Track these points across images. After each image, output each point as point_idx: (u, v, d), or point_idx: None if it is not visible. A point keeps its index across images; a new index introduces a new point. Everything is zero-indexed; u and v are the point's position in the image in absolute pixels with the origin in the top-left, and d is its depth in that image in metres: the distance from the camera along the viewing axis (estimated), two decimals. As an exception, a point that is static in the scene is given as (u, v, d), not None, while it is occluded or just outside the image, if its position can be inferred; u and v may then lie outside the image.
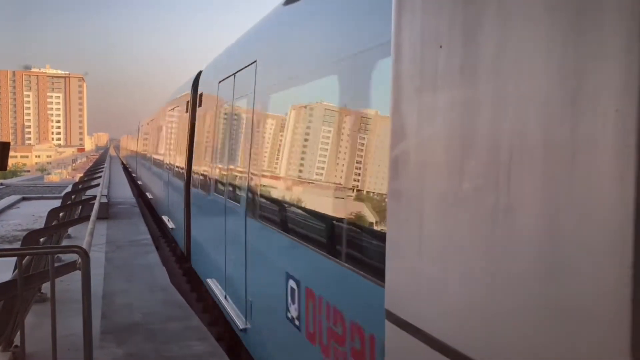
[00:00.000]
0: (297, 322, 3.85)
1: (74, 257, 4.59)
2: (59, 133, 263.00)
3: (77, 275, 4.71)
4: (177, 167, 10.82)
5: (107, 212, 15.71)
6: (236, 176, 5.82)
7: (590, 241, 1.19)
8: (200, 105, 8.75)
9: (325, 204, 3.54)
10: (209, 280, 6.90)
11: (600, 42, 1.17)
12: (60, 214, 9.51)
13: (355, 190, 3.10)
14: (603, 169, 1.15)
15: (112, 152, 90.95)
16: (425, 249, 1.76)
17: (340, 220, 3.24)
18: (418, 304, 1.81)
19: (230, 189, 5.98)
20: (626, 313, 1.10)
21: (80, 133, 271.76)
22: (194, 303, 8.70)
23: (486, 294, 1.50)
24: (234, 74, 6.21)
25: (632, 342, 1.10)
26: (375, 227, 2.88)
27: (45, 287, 6.83)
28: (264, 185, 4.78)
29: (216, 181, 6.85)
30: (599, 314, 1.17)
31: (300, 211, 4.03)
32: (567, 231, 1.24)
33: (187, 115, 9.62)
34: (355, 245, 3.08)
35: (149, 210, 19.52)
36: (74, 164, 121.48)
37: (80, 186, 16.87)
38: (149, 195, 18.06)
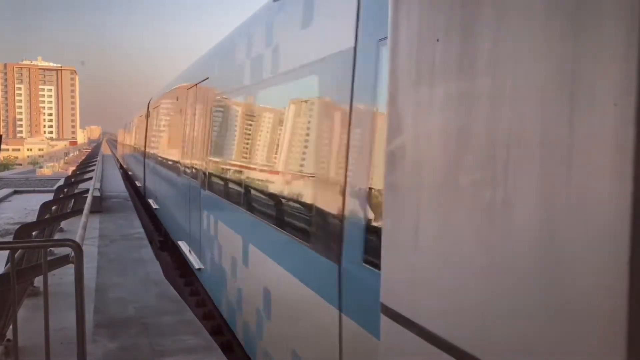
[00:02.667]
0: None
1: (66, 250, 4.56)
2: (51, 126, 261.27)
3: (69, 269, 4.68)
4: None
5: (100, 206, 15.62)
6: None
7: (587, 236, 1.19)
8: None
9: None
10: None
11: (598, 36, 1.17)
12: (53, 208, 9.45)
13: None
14: (601, 162, 1.15)
15: (104, 149, 76.61)
16: (421, 243, 1.76)
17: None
18: (414, 298, 1.81)
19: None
20: (622, 308, 1.10)
21: (73, 126, 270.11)
22: (187, 297, 8.69)
23: (482, 288, 1.51)
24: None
25: (628, 336, 1.10)
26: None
27: (38, 280, 6.80)
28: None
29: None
30: (594, 309, 1.18)
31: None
32: (564, 225, 1.24)
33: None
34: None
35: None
36: (66, 157, 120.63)
37: (72, 179, 16.76)
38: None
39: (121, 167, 34.35)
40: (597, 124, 1.16)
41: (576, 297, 1.22)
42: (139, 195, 19.79)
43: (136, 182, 21.03)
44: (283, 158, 4.53)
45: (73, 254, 4.32)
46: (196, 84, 8.58)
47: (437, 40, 1.69)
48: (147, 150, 16.79)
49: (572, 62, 1.22)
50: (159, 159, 13.40)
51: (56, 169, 70.43)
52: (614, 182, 1.12)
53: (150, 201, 14.94)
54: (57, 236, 10.17)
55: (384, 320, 1.95)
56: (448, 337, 1.61)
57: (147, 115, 17.16)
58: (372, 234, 2.84)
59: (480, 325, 1.51)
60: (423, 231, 1.75)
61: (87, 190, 11.82)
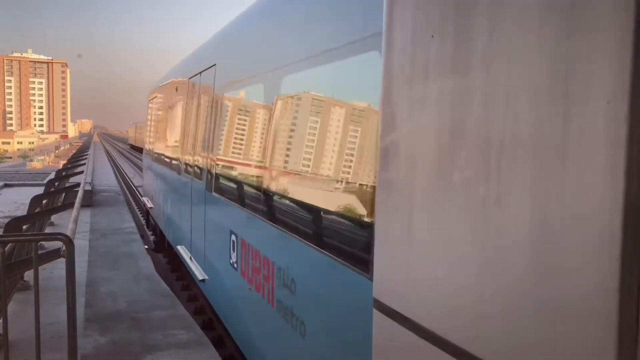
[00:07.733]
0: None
1: (57, 244, 4.54)
2: (41, 119, 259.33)
3: (59, 263, 4.66)
4: None
5: (90, 200, 15.56)
6: None
7: (579, 232, 1.20)
8: None
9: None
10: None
11: (592, 34, 1.18)
12: (44, 201, 9.40)
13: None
14: (594, 160, 1.16)
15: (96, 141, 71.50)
16: (414, 239, 1.77)
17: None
18: (406, 293, 1.82)
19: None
20: (613, 305, 1.11)
21: (63, 120, 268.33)
22: (179, 292, 8.67)
23: (474, 284, 1.52)
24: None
25: (618, 332, 1.11)
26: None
27: (28, 274, 6.76)
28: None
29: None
30: (586, 306, 1.19)
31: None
32: (557, 222, 1.25)
33: None
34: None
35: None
36: (57, 151, 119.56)
37: (63, 173, 16.66)
38: None
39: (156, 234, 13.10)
40: (590, 121, 1.16)
41: (568, 293, 1.23)
42: None
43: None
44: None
45: (64, 248, 4.29)
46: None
47: (432, 36, 1.69)
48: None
49: (566, 60, 1.23)
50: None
51: (47, 163, 69.81)
52: (606, 179, 1.13)
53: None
54: (47, 230, 10.11)
55: (377, 316, 1.96)
56: (441, 333, 1.62)
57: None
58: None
59: (473, 320, 1.52)
60: (416, 228, 1.76)
61: (78, 184, 11.77)
